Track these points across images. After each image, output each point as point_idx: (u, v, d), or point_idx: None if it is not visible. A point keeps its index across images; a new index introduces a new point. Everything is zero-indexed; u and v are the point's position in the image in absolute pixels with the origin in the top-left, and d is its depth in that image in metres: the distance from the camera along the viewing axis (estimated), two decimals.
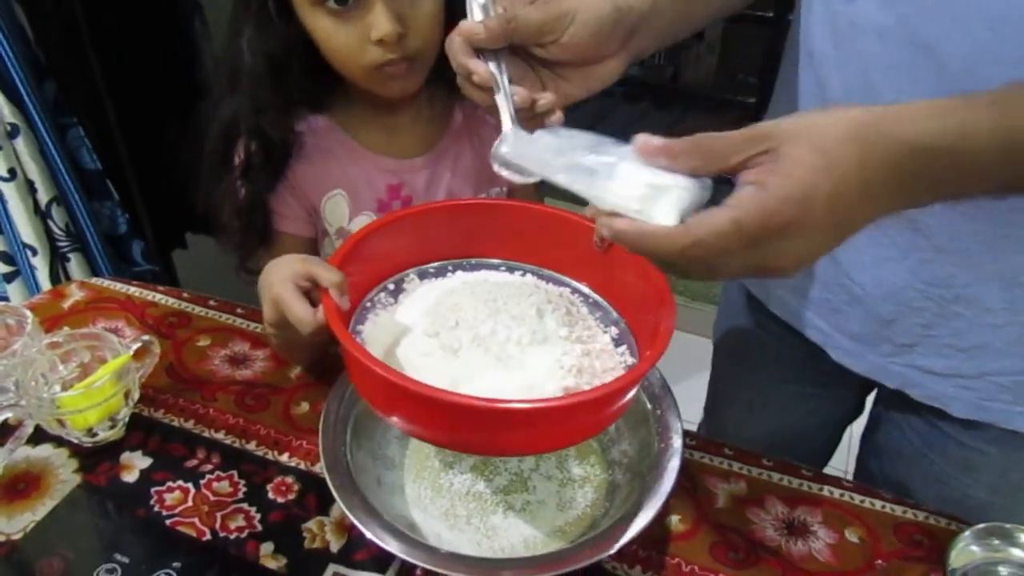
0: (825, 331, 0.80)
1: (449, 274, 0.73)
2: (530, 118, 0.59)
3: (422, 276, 0.73)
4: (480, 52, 0.58)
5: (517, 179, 0.58)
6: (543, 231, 0.73)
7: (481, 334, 0.62)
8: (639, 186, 0.46)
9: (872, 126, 0.44)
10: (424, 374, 0.59)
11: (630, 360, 0.66)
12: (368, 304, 0.69)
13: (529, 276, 0.74)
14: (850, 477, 0.97)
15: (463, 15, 0.59)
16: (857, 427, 0.98)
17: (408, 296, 0.70)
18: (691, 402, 1.17)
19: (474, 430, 0.59)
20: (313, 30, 0.76)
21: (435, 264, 0.74)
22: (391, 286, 0.72)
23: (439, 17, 0.77)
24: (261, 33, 0.77)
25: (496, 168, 0.58)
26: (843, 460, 1.53)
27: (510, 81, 0.58)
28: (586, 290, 0.74)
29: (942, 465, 0.80)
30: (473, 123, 0.91)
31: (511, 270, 0.75)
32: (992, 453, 0.77)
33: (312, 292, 0.63)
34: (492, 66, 0.58)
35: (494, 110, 0.59)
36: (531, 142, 0.55)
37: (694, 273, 0.46)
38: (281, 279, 0.63)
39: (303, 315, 0.61)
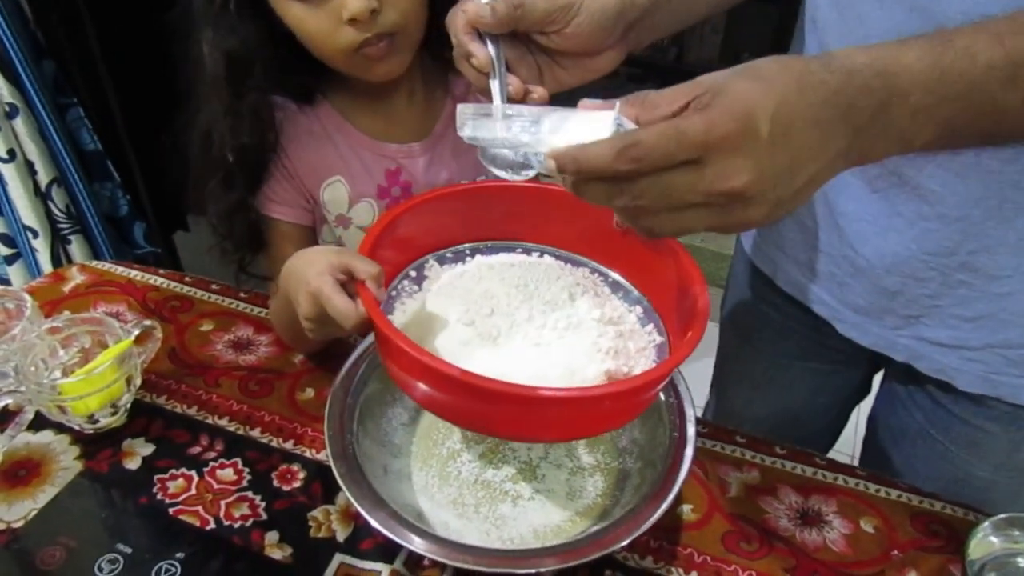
0: (831, 305, 0.80)
1: (468, 258, 0.72)
2: None
3: (441, 262, 0.71)
4: (481, 32, 0.58)
5: (501, 174, 0.58)
6: (559, 211, 0.71)
7: (518, 320, 0.61)
8: (584, 127, 0.45)
9: (806, 59, 0.45)
10: (468, 363, 0.57)
11: (658, 339, 0.65)
12: (393, 293, 0.68)
13: (547, 257, 0.72)
14: (857, 462, 0.97)
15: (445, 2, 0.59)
16: (864, 410, 0.97)
17: (433, 283, 0.69)
18: (697, 386, 1.16)
19: (537, 419, 0.58)
20: (285, 18, 0.74)
21: (452, 249, 0.73)
22: (412, 273, 0.70)
23: None
24: (224, 33, 0.75)
25: (479, 154, 0.58)
26: (850, 445, 1.51)
27: (507, 66, 0.58)
28: (605, 269, 0.72)
29: (947, 444, 0.80)
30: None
31: (528, 252, 0.73)
32: (997, 432, 0.76)
33: (347, 285, 0.61)
34: (491, 49, 0.57)
35: (486, 93, 0.59)
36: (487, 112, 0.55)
37: (648, 201, 0.43)
38: (318, 272, 0.60)
39: (346, 309, 0.58)
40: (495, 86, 0.58)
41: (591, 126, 0.45)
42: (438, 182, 0.89)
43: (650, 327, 0.66)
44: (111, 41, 1.60)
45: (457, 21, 0.58)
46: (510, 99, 0.58)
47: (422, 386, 0.59)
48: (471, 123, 0.52)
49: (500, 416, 0.58)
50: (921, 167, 0.64)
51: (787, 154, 0.43)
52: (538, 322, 0.62)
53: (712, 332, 1.04)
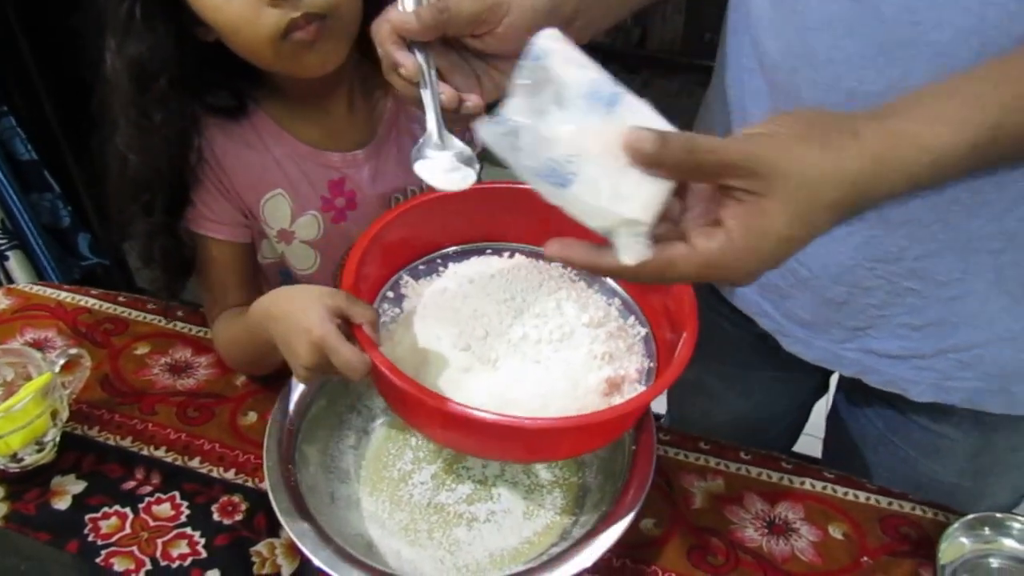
0: (775, 318, 0.77)
1: (440, 268, 0.69)
2: (455, 119, 0.55)
3: (415, 276, 0.68)
4: (409, 41, 0.54)
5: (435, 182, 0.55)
6: (523, 207, 0.67)
7: (513, 339, 0.60)
8: (606, 199, 0.42)
9: (864, 191, 0.43)
10: (469, 392, 0.57)
11: (642, 331, 0.65)
12: None
13: (519, 256, 0.70)
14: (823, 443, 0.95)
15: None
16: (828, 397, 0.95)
17: (412, 302, 0.65)
18: None
19: (558, 442, 0.60)
20: (202, 10, 0.68)
21: (423, 260, 0.70)
22: (390, 294, 0.67)
23: None
24: (130, 42, 0.69)
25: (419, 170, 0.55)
26: (820, 429, 1.50)
27: (439, 75, 0.54)
28: None
29: (907, 450, 0.78)
30: (406, 106, 0.84)
31: (499, 252, 0.70)
32: (958, 438, 0.74)
33: (341, 328, 0.57)
34: (420, 58, 0.53)
35: (418, 104, 0.54)
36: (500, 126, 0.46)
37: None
38: (320, 320, 0.56)
39: (356, 361, 0.55)
40: (427, 96, 0.54)
41: (621, 224, 0.43)
42: (384, 191, 0.84)
43: (632, 319, 0.66)
44: (43, 47, 1.53)
45: (382, 31, 0.54)
46: (443, 108, 0.54)
47: (444, 430, 0.59)
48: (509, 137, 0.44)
49: (526, 446, 0.59)
50: None
51: (788, 250, 0.44)
52: (533, 338, 0.60)
53: None
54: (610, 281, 0.68)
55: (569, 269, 0.69)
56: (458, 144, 0.56)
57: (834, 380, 0.90)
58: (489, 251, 0.70)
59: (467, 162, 0.56)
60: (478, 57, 0.57)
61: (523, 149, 0.43)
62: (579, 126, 0.42)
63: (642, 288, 0.66)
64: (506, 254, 0.70)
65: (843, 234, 0.65)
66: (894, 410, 0.77)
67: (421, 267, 0.69)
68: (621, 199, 0.42)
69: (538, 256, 0.69)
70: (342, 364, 0.55)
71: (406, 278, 0.68)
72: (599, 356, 0.59)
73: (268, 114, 0.80)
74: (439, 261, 0.70)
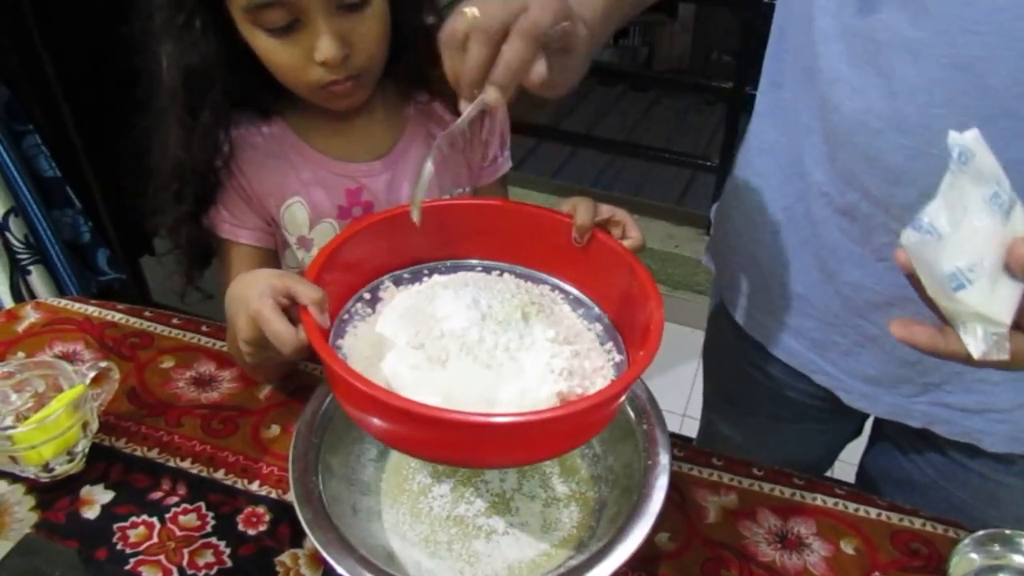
0: (834, 375, 0.76)
1: (425, 278, 0.70)
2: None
3: (397, 283, 0.70)
4: None
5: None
6: (519, 228, 0.70)
7: (468, 343, 0.60)
8: (987, 303, 0.45)
9: None
10: (415, 388, 0.57)
11: (617, 357, 0.64)
12: (345, 316, 0.66)
13: (507, 276, 0.71)
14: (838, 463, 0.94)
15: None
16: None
17: (386, 305, 0.67)
18: (678, 392, 1.14)
19: (482, 445, 0.57)
20: (254, 47, 0.73)
21: (410, 269, 0.71)
22: (367, 295, 0.68)
23: (384, 33, 0.74)
24: (186, 48, 0.73)
25: None
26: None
27: None
28: (566, 286, 0.71)
29: (963, 496, 0.77)
30: (427, 119, 0.87)
31: (488, 270, 0.72)
32: (1018, 486, 0.73)
33: (291, 309, 0.59)
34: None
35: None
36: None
37: None
38: (259, 295, 0.59)
39: (285, 333, 0.57)
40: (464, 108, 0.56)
41: (974, 317, 0.45)
42: (400, 200, 0.87)
43: (610, 345, 0.66)
44: (66, 65, 1.56)
45: (451, 48, 0.54)
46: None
47: (366, 414, 0.58)
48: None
49: (438, 442, 0.57)
50: None
51: None
52: (489, 343, 0.60)
53: (691, 339, 1.03)
54: (596, 307, 0.69)
55: (556, 291, 0.70)
56: None
57: (869, 424, 0.89)
58: (479, 268, 0.72)
59: None
60: None
61: (938, 256, 0.45)
62: (984, 233, 0.44)
63: (623, 313, 0.66)
64: (495, 272, 0.71)
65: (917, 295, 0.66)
66: (950, 460, 0.75)
67: (406, 275, 0.71)
68: (993, 300, 0.44)
69: (528, 278, 0.71)
70: (272, 335, 0.57)
71: (387, 283, 0.69)
72: (556, 371, 0.59)
73: (289, 125, 0.84)
74: (425, 272, 0.71)
